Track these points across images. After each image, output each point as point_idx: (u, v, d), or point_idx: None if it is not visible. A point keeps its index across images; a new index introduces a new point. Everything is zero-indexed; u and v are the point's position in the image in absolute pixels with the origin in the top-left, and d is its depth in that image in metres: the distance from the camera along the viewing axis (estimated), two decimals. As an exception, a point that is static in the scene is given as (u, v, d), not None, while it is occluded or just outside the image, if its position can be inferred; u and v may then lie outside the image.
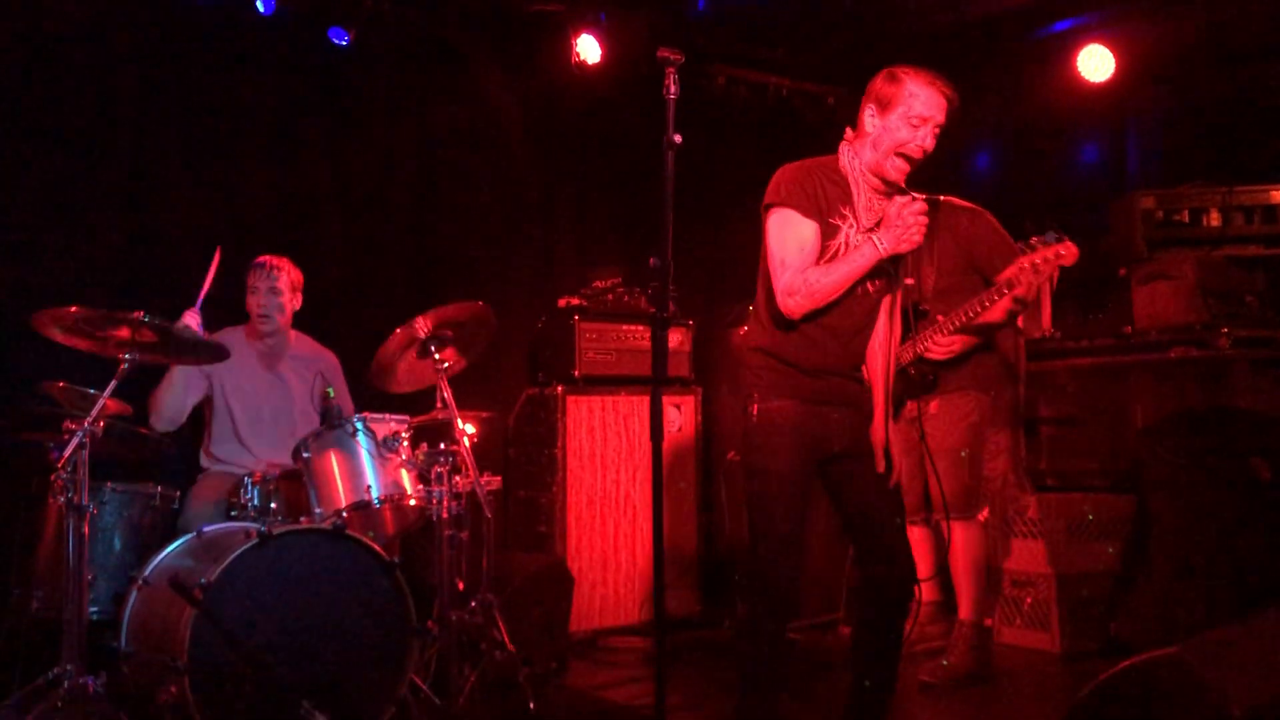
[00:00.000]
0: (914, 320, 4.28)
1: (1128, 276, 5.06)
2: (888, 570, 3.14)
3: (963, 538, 4.34)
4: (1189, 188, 5.12)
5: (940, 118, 3.02)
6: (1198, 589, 4.21)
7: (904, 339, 4.41)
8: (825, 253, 3.04)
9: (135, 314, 3.30)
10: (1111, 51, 5.53)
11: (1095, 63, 5.58)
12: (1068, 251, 3.77)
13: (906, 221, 2.93)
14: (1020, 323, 5.39)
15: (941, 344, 4.18)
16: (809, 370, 3.09)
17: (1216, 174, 5.14)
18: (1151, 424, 4.73)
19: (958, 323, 4.09)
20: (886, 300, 3.20)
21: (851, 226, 3.05)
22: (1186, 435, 4.54)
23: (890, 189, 3.07)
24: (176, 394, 4.13)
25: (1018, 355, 5.30)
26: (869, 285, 3.09)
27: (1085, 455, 5.06)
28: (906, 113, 2.99)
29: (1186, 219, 5.09)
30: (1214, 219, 5.07)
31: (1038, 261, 3.80)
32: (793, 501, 3.07)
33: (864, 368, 3.30)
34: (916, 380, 4.32)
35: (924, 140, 3.01)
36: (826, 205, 3.04)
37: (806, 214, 3.01)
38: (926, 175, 5.35)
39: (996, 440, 5.24)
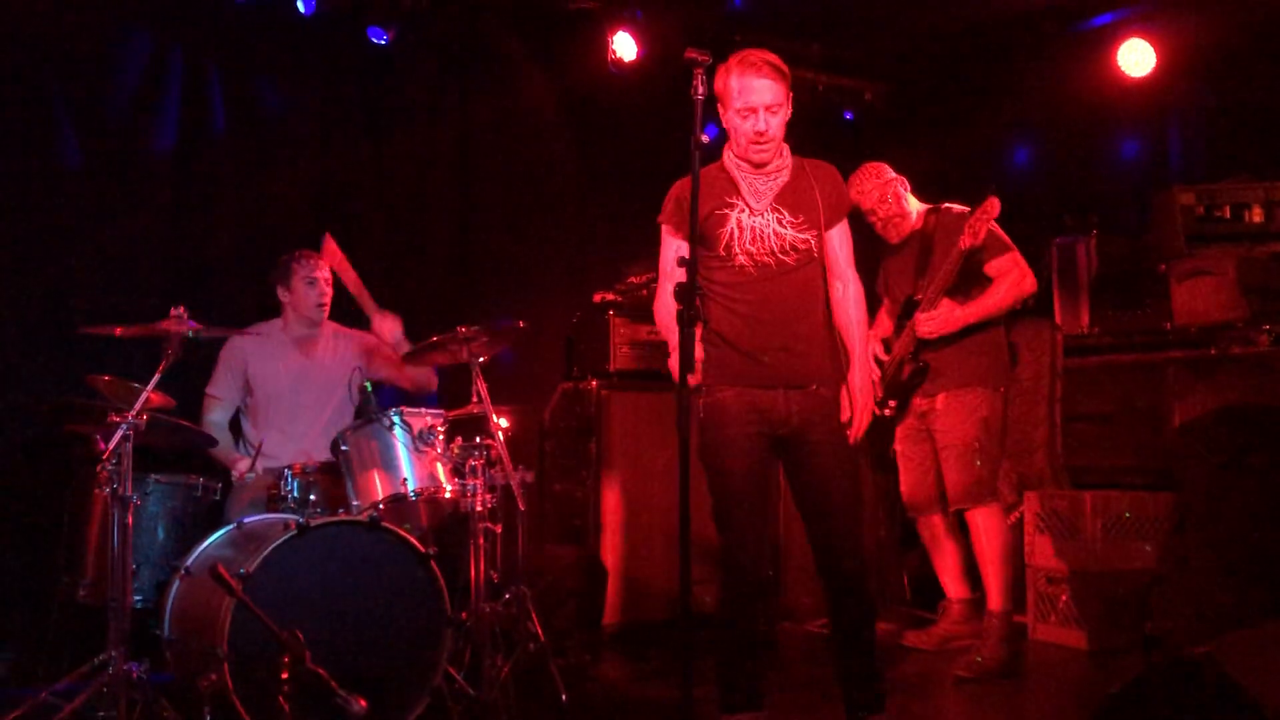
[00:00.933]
0: (906, 314, 4.42)
1: (1167, 273, 5.01)
2: (837, 564, 3.22)
3: (983, 526, 4.35)
4: (1231, 183, 5.05)
5: (767, 99, 3.15)
6: (1235, 588, 4.16)
7: (898, 332, 4.50)
8: (719, 241, 3.24)
9: (175, 310, 3.37)
10: (1152, 45, 5.47)
11: (1136, 57, 5.53)
12: (990, 206, 4.16)
13: None
14: (1058, 319, 5.37)
15: (920, 320, 4.35)
16: (747, 351, 3.22)
17: (1260, 169, 5.07)
18: (1190, 421, 4.68)
19: (935, 293, 4.32)
20: (831, 258, 3.31)
21: (743, 211, 3.24)
22: (1226, 433, 4.48)
23: (757, 165, 3.25)
24: (219, 419, 4.36)
25: (1055, 351, 5.27)
26: (788, 259, 3.23)
27: (1123, 452, 5.02)
28: (736, 107, 3.18)
29: (1228, 214, 5.01)
30: (1256, 215, 4.99)
31: (972, 222, 4.20)
32: (747, 494, 3.23)
33: (838, 327, 3.38)
34: (914, 369, 4.46)
35: (757, 126, 3.16)
36: (713, 203, 3.24)
37: (674, 232, 3.29)
38: (966, 166, 5.33)
39: (1033, 436, 5.22)
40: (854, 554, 3.25)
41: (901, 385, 4.50)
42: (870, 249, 4.87)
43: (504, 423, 4.06)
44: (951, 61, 6.18)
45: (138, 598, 3.68)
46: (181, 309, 3.40)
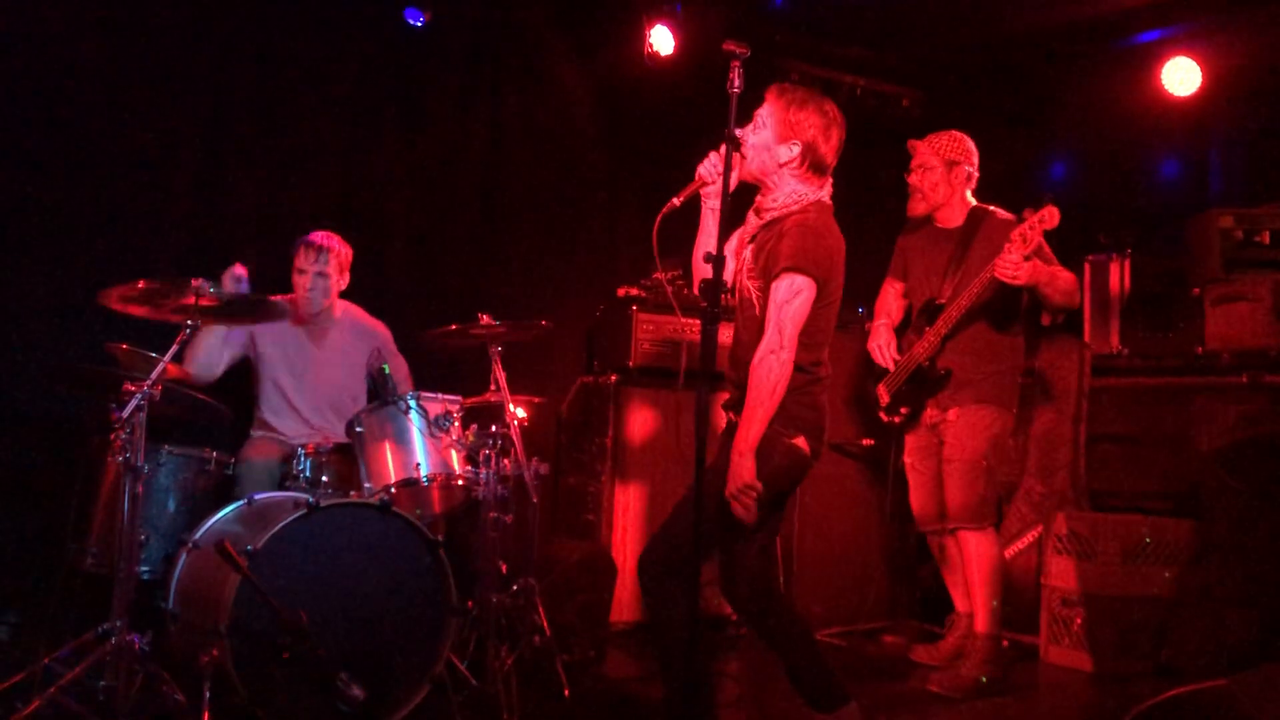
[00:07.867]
0: (928, 318, 4.32)
1: (1201, 296, 4.94)
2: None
3: (975, 548, 4.31)
4: (1272, 208, 4.97)
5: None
6: (1254, 620, 4.09)
7: (917, 333, 4.41)
8: None
9: (196, 281, 3.34)
10: (1199, 65, 5.38)
11: (1181, 76, 5.44)
12: (1049, 215, 4.00)
13: None
14: (1088, 338, 5.29)
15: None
16: None
17: (1301, 196, 4.99)
18: (1218, 449, 4.60)
19: (969, 301, 4.23)
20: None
21: None
22: (1254, 462, 4.41)
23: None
24: (213, 344, 4.18)
25: (1083, 370, 5.20)
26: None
27: (1146, 476, 4.95)
28: None
29: (1267, 240, 4.93)
30: (1295, 242, 4.91)
31: (1024, 229, 4.04)
32: None
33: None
34: (931, 377, 4.35)
35: None
36: None
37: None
38: (1002, 180, 5.24)
39: (1056, 455, 5.15)
40: (728, 579, 3.27)
41: (916, 392, 4.43)
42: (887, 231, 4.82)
43: (521, 412, 4.03)
44: (992, 72, 6.10)
45: (145, 569, 3.66)
46: (201, 281, 3.37)
